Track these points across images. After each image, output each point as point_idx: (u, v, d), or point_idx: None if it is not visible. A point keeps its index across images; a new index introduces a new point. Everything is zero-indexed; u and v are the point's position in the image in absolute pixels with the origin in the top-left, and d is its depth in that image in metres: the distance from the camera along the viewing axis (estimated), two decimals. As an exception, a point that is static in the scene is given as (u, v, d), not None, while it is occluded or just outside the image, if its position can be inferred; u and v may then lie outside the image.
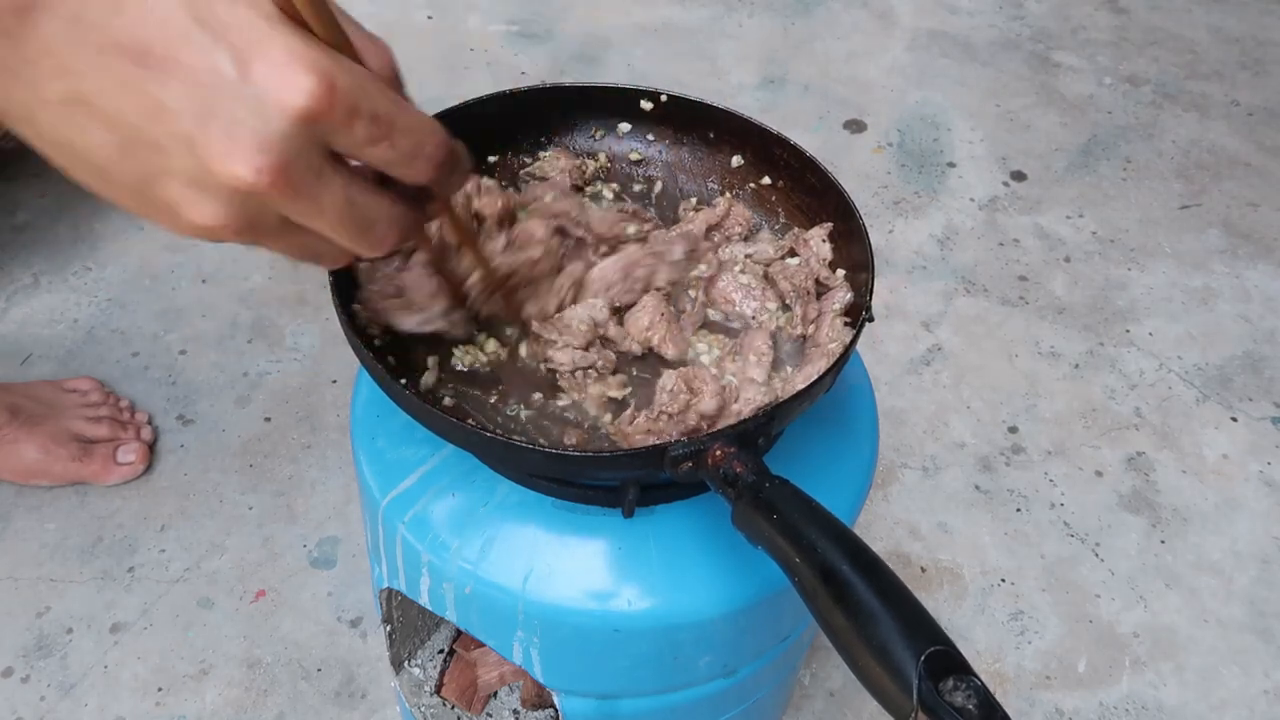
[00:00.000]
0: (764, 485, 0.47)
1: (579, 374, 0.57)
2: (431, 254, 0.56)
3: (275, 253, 0.37)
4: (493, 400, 0.58)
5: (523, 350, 0.60)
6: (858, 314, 0.59)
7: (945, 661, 0.38)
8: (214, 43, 0.31)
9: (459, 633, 0.90)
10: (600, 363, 0.57)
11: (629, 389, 0.55)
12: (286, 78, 0.31)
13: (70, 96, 0.32)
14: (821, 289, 0.63)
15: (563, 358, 0.57)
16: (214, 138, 0.32)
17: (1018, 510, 1.12)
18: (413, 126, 0.35)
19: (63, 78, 0.32)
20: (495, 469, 0.61)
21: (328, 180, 0.34)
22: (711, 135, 0.71)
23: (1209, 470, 1.17)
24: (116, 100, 0.32)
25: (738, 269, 0.65)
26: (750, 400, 0.57)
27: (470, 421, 0.54)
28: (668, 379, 0.56)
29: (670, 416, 0.55)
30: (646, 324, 0.59)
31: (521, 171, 0.71)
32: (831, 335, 0.60)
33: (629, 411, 0.56)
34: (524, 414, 0.57)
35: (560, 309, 0.59)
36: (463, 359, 0.59)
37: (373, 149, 0.34)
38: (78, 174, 0.35)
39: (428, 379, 0.58)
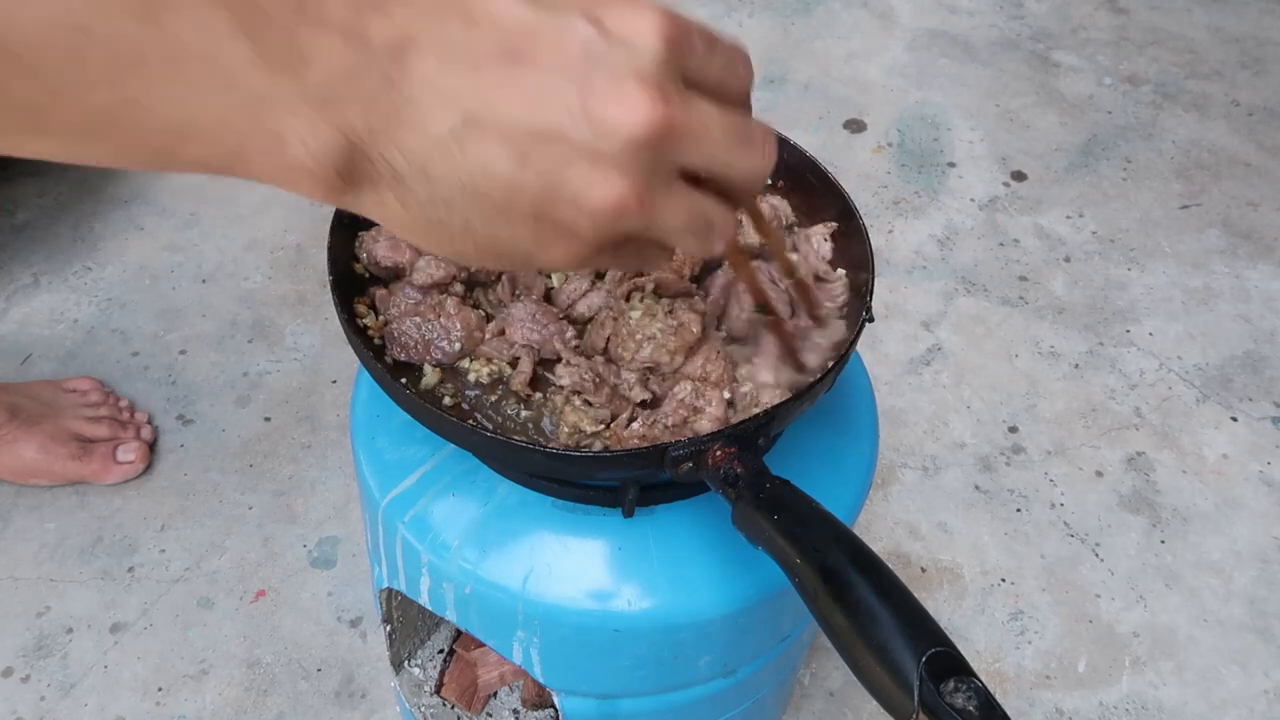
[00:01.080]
0: (764, 485, 0.47)
1: (566, 396, 0.57)
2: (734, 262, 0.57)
3: (667, 233, 0.37)
4: (493, 400, 0.58)
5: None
6: (857, 312, 0.59)
7: (946, 662, 0.38)
8: (561, 15, 0.33)
9: (459, 633, 0.90)
10: (595, 399, 0.56)
11: (603, 426, 0.54)
12: (638, 18, 0.33)
13: (459, 122, 0.32)
14: (820, 283, 0.64)
15: (571, 378, 0.56)
16: (599, 90, 0.32)
17: (1018, 510, 1.12)
18: (723, 36, 0.37)
19: (448, 106, 0.32)
20: (495, 469, 0.61)
21: (694, 107, 0.35)
22: None
23: (1209, 470, 1.17)
24: (503, 105, 0.32)
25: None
26: (769, 404, 0.57)
27: (470, 421, 0.54)
28: (683, 388, 0.56)
29: (667, 428, 0.55)
30: (700, 364, 0.59)
31: None
32: (824, 269, 0.62)
33: (624, 417, 0.56)
34: (524, 414, 0.57)
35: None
36: (479, 371, 0.58)
37: (713, 63, 0.36)
38: (479, 227, 0.35)
39: (428, 379, 0.58)
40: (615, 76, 0.32)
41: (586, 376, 0.55)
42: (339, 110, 0.32)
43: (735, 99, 0.37)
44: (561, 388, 0.56)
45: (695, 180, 0.37)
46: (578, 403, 0.55)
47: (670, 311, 0.58)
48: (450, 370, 0.59)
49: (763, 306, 0.59)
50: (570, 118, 0.32)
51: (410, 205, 0.34)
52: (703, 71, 0.35)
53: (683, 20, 0.35)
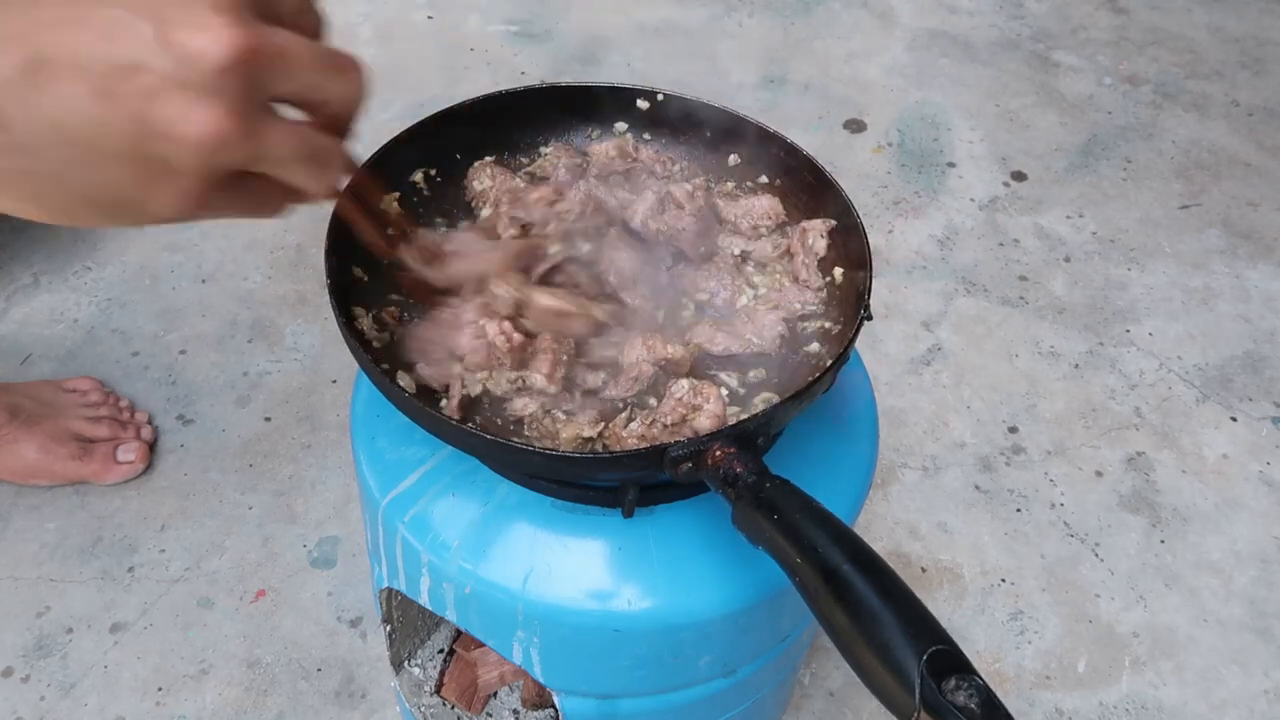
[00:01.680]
0: (764, 485, 0.47)
1: (548, 417, 0.56)
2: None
3: (277, 165, 0.37)
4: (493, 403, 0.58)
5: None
6: (855, 311, 0.59)
7: (947, 661, 0.38)
8: None
9: (459, 633, 0.90)
10: (570, 406, 0.56)
11: (602, 424, 0.54)
12: None
13: (29, 60, 0.31)
14: (799, 285, 0.64)
15: (531, 407, 0.56)
16: (175, 20, 0.32)
17: (1018, 510, 1.12)
18: None
19: (11, 47, 0.31)
20: (495, 470, 0.61)
21: (275, 33, 0.35)
22: (709, 134, 0.71)
23: (1209, 470, 1.17)
24: (72, 40, 0.32)
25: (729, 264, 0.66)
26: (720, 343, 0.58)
27: (470, 424, 0.54)
28: (680, 387, 0.56)
29: (666, 427, 0.55)
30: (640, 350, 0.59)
31: (520, 171, 0.71)
32: (805, 275, 0.63)
33: (623, 416, 0.56)
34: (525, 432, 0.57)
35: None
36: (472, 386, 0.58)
37: (298, 8, 0.37)
38: (72, 171, 0.33)
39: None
40: (189, 6, 0.32)
41: (549, 397, 0.55)
42: None
43: (312, 32, 0.38)
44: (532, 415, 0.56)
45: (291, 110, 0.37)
46: (561, 416, 0.55)
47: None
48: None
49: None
50: (149, 49, 0.32)
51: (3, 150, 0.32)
52: (276, 11, 0.36)
53: None
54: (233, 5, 0.33)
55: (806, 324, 0.62)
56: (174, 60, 0.32)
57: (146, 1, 0.32)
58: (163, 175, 0.34)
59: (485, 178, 0.67)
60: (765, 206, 0.67)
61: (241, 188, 0.37)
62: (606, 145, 0.70)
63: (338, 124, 0.39)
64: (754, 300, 0.63)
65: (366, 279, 0.62)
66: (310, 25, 0.38)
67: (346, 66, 0.38)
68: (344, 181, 0.39)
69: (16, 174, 0.33)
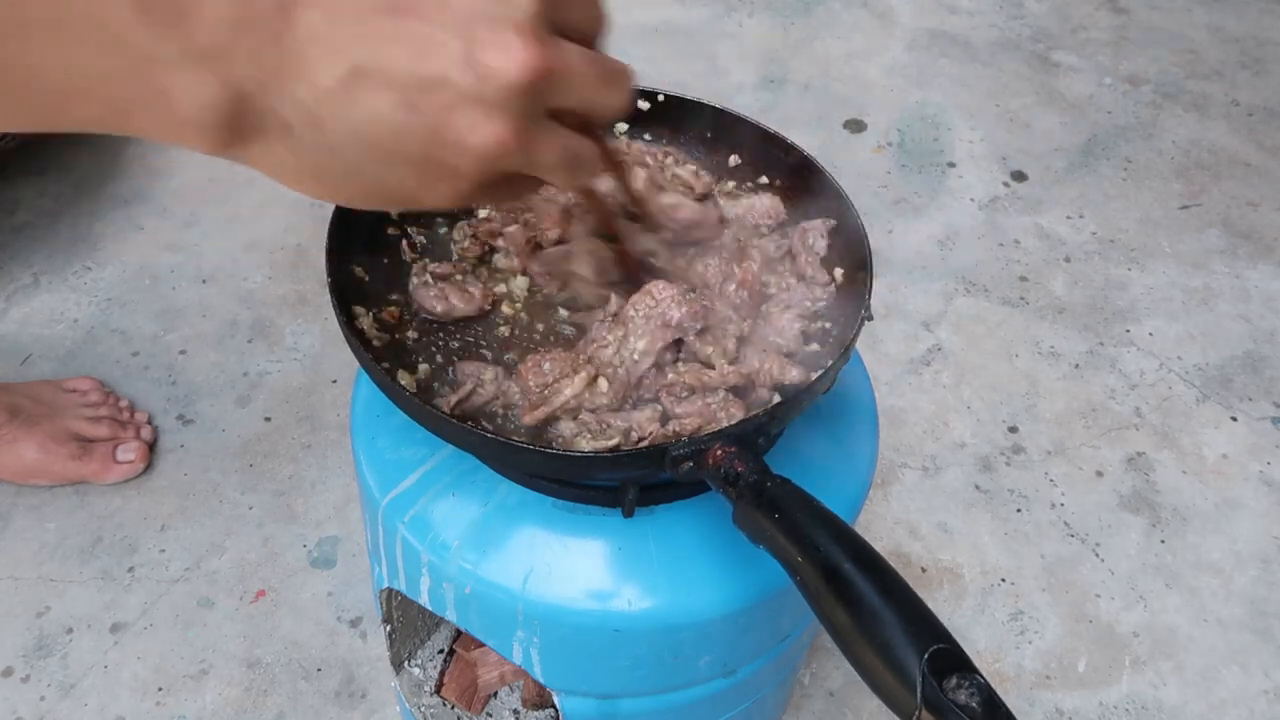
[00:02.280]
0: (765, 484, 0.47)
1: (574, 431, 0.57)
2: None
3: (542, 169, 0.40)
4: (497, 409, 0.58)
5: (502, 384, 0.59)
6: (856, 311, 0.59)
7: (949, 659, 0.38)
8: None
9: (459, 633, 0.90)
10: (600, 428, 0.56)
11: (615, 441, 0.55)
12: None
13: (347, 72, 0.34)
14: (806, 284, 0.64)
15: (566, 431, 0.56)
16: (482, 40, 0.34)
17: (1018, 510, 1.12)
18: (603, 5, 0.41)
19: (335, 58, 0.34)
20: (495, 469, 0.61)
21: (563, 51, 0.37)
22: (709, 135, 0.71)
23: (1209, 470, 1.17)
24: (389, 55, 0.34)
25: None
26: (793, 378, 0.58)
27: (470, 422, 0.54)
28: (716, 396, 0.57)
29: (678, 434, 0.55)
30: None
31: None
32: (811, 272, 0.63)
33: (634, 435, 0.56)
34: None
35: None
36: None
37: (574, 10, 0.39)
38: (365, 169, 0.37)
39: (421, 373, 0.58)
40: (495, 27, 0.34)
41: (587, 424, 0.55)
42: (225, 65, 0.33)
43: (593, 40, 0.40)
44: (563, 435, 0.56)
45: (557, 117, 0.39)
46: (586, 434, 0.55)
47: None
48: (441, 370, 0.59)
49: (609, 235, 0.62)
50: (455, 66, 0.34)
51: (300, 154, 0.36)
52: (566, 18, 0.38)
53: None
54: (533, 26, 0.35)
55: (823, 323, 0.62)
56: (476, 78, 0.35)
57: (461, 21, 0.34)
58: (444, 176, 0.37)
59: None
60: (766, 206, 0.67)
61: (505, 183, 0.40)
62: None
63: (599, 128, 0.42)
64: (766, 304, 0.63)
65: (366, 279, 0.62)
66: (594, 29, 0.41)
67: (618, 78, 0.40)
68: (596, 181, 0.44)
69: (319, 168, 0.37)
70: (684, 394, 0.57)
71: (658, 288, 0.58)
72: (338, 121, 0.35)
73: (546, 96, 0.37)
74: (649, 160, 0.69)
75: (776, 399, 0.57)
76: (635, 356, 0.57)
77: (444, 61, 0.34)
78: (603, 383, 0.56)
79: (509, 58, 0.35)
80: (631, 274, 0.62)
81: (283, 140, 0.35)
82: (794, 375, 0.57)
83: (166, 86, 0.33)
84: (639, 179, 0.63)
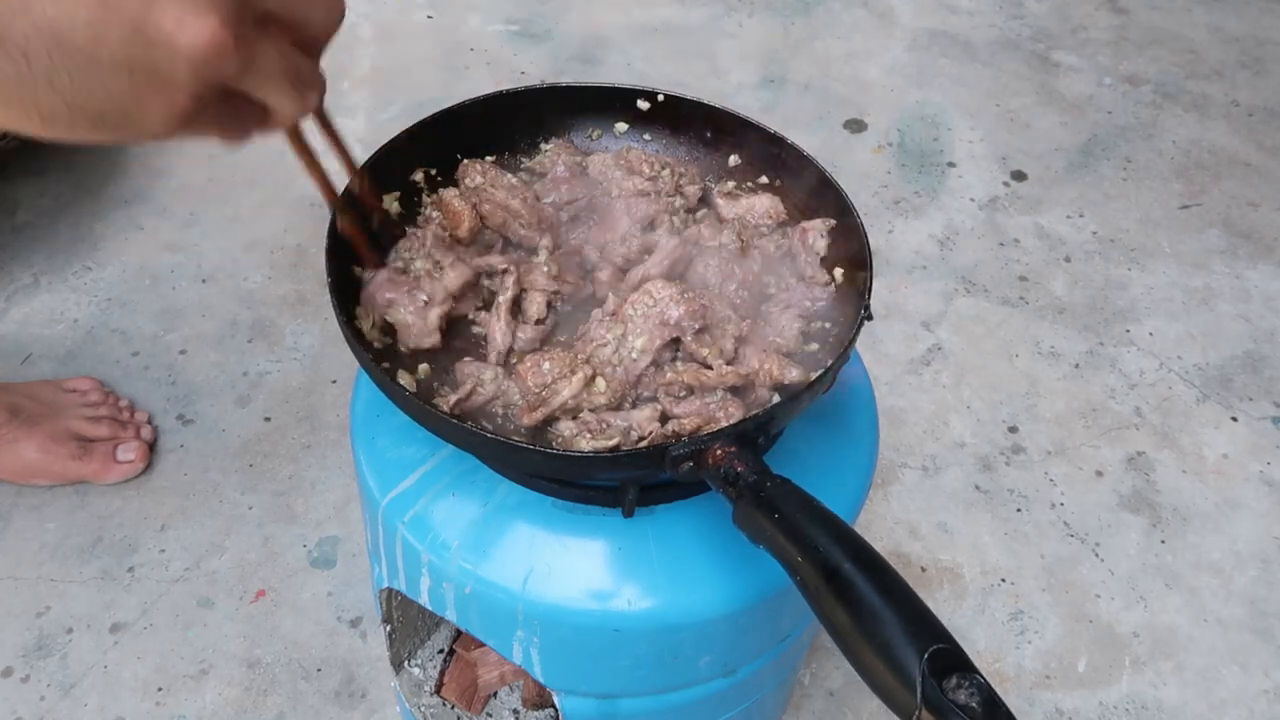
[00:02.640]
0: (765, 484, 0.47)
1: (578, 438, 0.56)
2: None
3: (260, 82, 0.37)
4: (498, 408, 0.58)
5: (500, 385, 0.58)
6: (855, 311, 0.59)
7: (948, 659, 0.38)
8: None
9: (459, 633, 0.90)
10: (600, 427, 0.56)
11: (615, 440, 0.54)
12: None
13: None
14: (807, 283, 0.64)
15: (566, 431, 0.56)
16: None
17: (1018, 510, 1.12)
18: None
19: None
20: (495, 469, 0.61)
21: None
22: (709, 135, 0.71)
23: (1209, 470, 1.17)
24: None
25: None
26: (793, 378, 0.58)
27: (469, 422, 0.54)
28: (714, 396, 0.56)
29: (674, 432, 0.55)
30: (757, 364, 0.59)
31: (520, 169, 0.71)
32: (810, 272, 0.63)
33: (634, 435, 0.56)
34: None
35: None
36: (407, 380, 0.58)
37: None
38: (66, 78, 0.33)
39: (422, 372, 0.58)
40: None
41: (588, 423, 0.55)
42: None
43: None
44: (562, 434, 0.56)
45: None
46: (586, 434, 0.55)
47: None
48: (441, 370, 0.59)
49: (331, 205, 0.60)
50: None
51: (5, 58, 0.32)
52: None
53: None
54: None
55: (823, 323, 0.62)
56: None
57: None
58: (156, 85, 0.34)
59: (477, 175, 0.67)
60: (766, 205, 0.67)
61: (223, 106, 0.37)
62: (604, 156, 0.70)
63: (314, 46, 0.40)
64: (766, 304, 0.63)
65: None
66: None
67: None
68: (315, 103, 0.41)
69: (11, 81, 0.33)
70: (682, 394, 0.57)
71: (656, 286, 0.58)
72: (25, 24, 0.32)
73: None
74: (645, 169, 0.69)
75: (776, 399, 0.57)
76: (634, 355, 0.57)
77: None
78: (600, 382, 0.56)
79: None
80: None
81: None
82: (794, 375, 0.57)
83: None
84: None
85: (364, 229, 0.60)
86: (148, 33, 0.33)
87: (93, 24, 0.32)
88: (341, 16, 0.40)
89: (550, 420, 0.56)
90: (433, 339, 0.59)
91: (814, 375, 0.55)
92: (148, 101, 0.35)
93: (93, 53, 0.33)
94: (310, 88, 0.39)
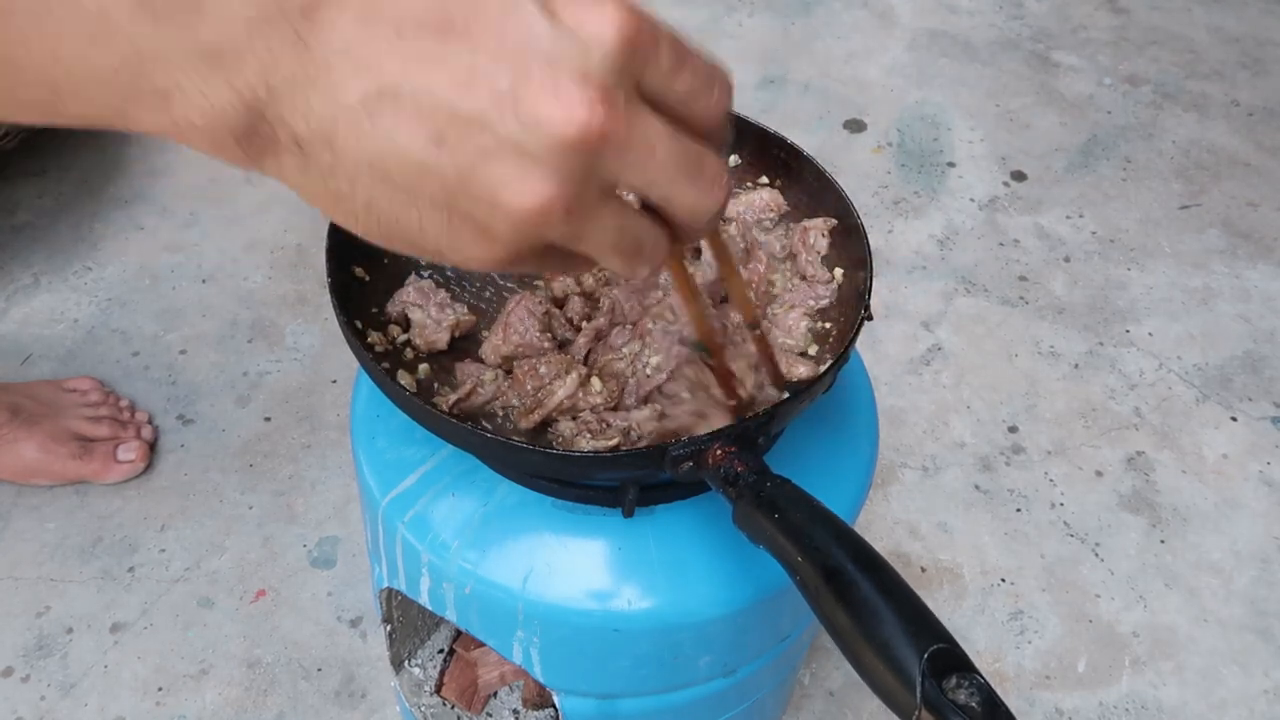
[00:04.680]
0: (765, 484, 0.47)
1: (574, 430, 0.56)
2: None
3: (592, 249, 0.34)
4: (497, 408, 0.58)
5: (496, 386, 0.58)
6: (856, 311, 0.59)
7: (948, 659, 0.38)
8: None
9: (459, 632, 0.90)
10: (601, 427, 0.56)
11: (615, 440, 0.54)
12: (598, 12, 0.30)
13: (374, 92, 0.29)
14: (809, 282, 0.64)
15: (566, 431, 0.56)
16: (536, 82, 0.29)
17: (1018, 510, 1.12)
18: (701, 53, 0.34)
19: (364, 73, 0.29)
20: (495, 469, 0.61)
21: (641, 122, 0.32)
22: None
23: (1209, 470, 1.17)
24: (426, 81, 0.29)
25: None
26: (801, 374, 0.58)
27: (469, 422, 0.54)
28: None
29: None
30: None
31: None
32: (812, 271, 0.63)
33: (643, 414, 0.56)
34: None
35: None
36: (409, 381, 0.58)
37: (679, 80, 0.33)
38: (384, 206, 0.32)
39: (422, 371, 0.58)
40: (556, 70, 0.29)
41: (588, 423, 0.55)
42: (236, 69, 0.29)
43: (700, 126, 0.34)
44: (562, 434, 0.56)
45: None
46: (586, 434, 0.55)
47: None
48: (442, 369, 0.59)
49: (703, 345, 0.57)
50: (498, 106, 0.29)
51: (311, 174, 0.31)
52: (664, 86, 0.32)
53: (652, 24, 0.31)
54: (605, 79, 0.30)
55: (824, 323, 0.62)
56: (520, 124, 0.29)
57: (518, 53, 0.29)
58: (473, 233, 0.32)
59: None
60: (766, 199, 0.67)
61: (553, 255, 0.34)
62: None
63: (677, 227, 0.36)
64: (773, 303, 0.64)
65: (367, 279, 0.62)
66: (701, 114, 0.34)
67: (708, 177, 0.34)
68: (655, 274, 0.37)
69: (333, 193, 0.32)
70: (686, 395, 0.57)
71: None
72: (354, 146, 0.30)
73: (608, 169, 0.31)
74: None
75: (776, 398, 0.57)
76: (649, 371, 0.58)
77: (485, 98, 0.29)
78: (596, 382, 0.56)
79: (558, 107, 0.29)
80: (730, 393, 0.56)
81: (294, 156, 0.31)
82: (801, 371, 0.57)
83: (166, 87, 0.29)
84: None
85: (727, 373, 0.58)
86: (475, 184, 0.31)
87: (421, 164, 0.30)
88: (717, 214, 0.35)
89: (549, 421, 0.56)
90: (443, 343, 0.60)
91: (821, 370, 0.55)
92: (463, 244, 0.32)
93: (414, 190, 0.31)
94: (644, 261, 0.35)
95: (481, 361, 0.60)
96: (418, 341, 0.59)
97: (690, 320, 0.54)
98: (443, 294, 0.61)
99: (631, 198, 0.34)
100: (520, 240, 0.32)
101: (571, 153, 0.30)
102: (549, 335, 0.59)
